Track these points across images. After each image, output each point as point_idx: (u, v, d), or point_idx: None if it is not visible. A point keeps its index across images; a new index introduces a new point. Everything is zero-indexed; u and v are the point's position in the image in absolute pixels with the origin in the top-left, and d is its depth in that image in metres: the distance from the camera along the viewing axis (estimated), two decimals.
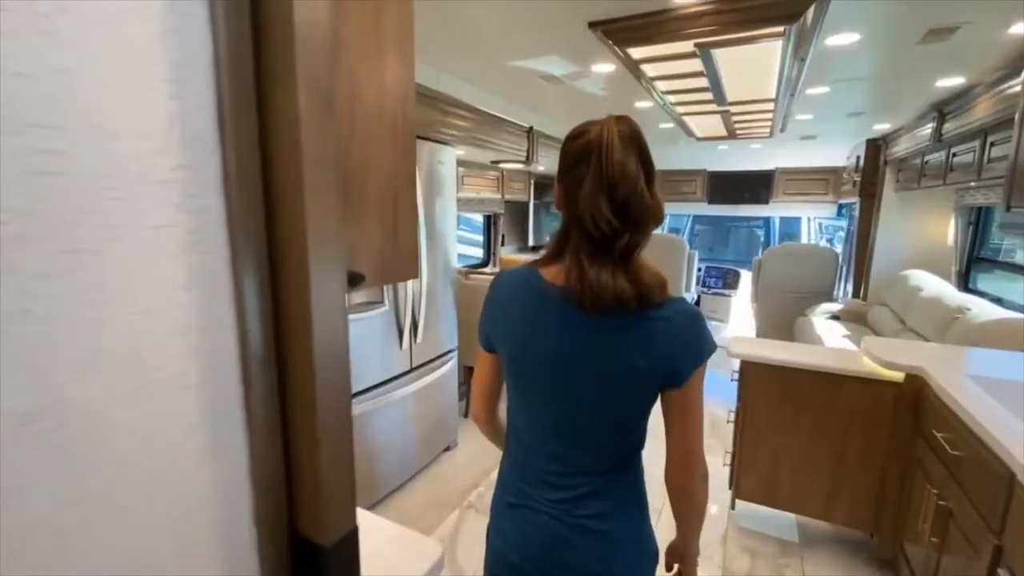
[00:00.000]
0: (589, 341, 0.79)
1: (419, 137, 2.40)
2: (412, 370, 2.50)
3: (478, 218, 4.60)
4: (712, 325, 6.15)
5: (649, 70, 2.21)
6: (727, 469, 2.30)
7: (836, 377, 1.98)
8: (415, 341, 2.46)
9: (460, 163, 3.51)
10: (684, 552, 0.93)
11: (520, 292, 0.85)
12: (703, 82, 2.36)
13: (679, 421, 0.82)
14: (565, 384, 0.81)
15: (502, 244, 4.78)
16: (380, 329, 2.25)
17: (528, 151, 3.36)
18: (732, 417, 2.29)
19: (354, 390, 2.15)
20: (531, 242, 4.87)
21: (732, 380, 2.24)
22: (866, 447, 1.98)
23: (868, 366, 1.97)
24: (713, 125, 3.69)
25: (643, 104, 3.16)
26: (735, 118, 3.26)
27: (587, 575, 0.82)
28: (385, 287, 2.23)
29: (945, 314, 2.83)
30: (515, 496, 0.88)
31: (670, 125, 3.87)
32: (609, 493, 0.84)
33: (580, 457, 0.83)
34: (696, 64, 2.10)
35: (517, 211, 4.89)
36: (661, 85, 2.46)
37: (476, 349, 0.95)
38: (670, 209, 7.05)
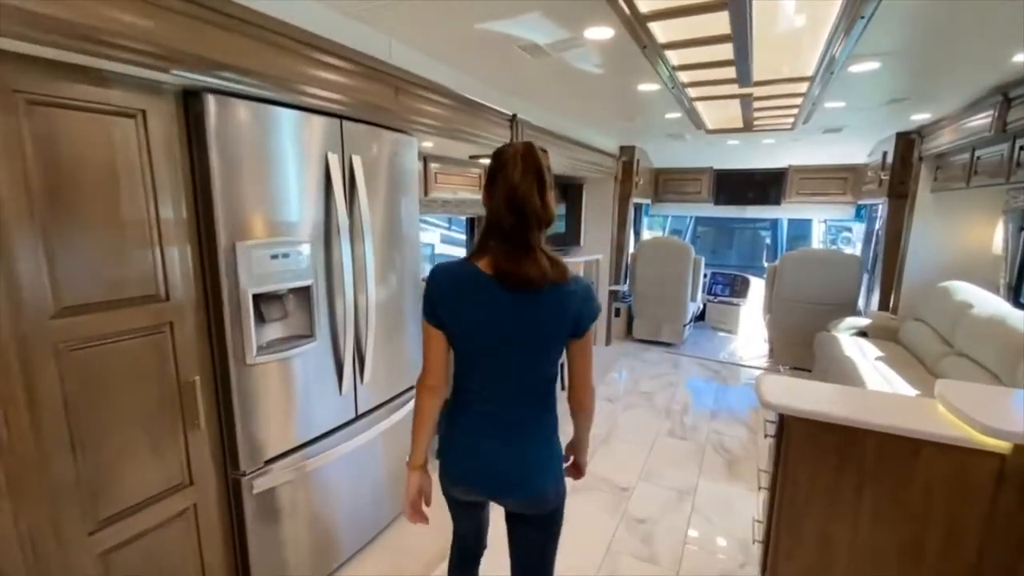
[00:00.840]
0: (518, 313, 1.11)
1: (371, 123, 1.87)
2: (359, 418, 1.97)
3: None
4: (720, 337, 5.66)
5: (659, 33, 1.69)
6: (757, 546, 1.79)
7: (909, 442, 1.47)
8: (360, 381, 1.94)
9: (432, 158, 2.99)
10: (579, 445, 1.38)
11: (465, 281, 1.13)
12: (727, 51, 1.85)
13: (579, 359, 1.21)
14: (505, 348, 1.13)
15: None
16: (309, 372, 1.73)
17: (511, 141, 2.84)
18: (765, 482, 1.78)
19: (269, 456, 1.63)
20: None
21: (766, 438, 1.73)
22: (951, 539, 1.47)
23: (953, 426, 1.46)
24: (728, 115, 3.17)
25: (648, 87, 2.64)
26: (757, 104, 2.75)
27: (522, 473, 1.19)
28: (316, 313, 1.70)
29: (1017, 342, 2.33)
30: (472, 432, 1.19)
31: (677, 115, 3.36)
32: (537, 420, 1.21)
33: (519, 399, 1.18)
34: (722, 23, 1.58)
35: None
36: (673, 57, 1.94)
37: (425, 327, 1.17)
38: (673, 209, 6.56)
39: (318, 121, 1.66)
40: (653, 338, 5.27)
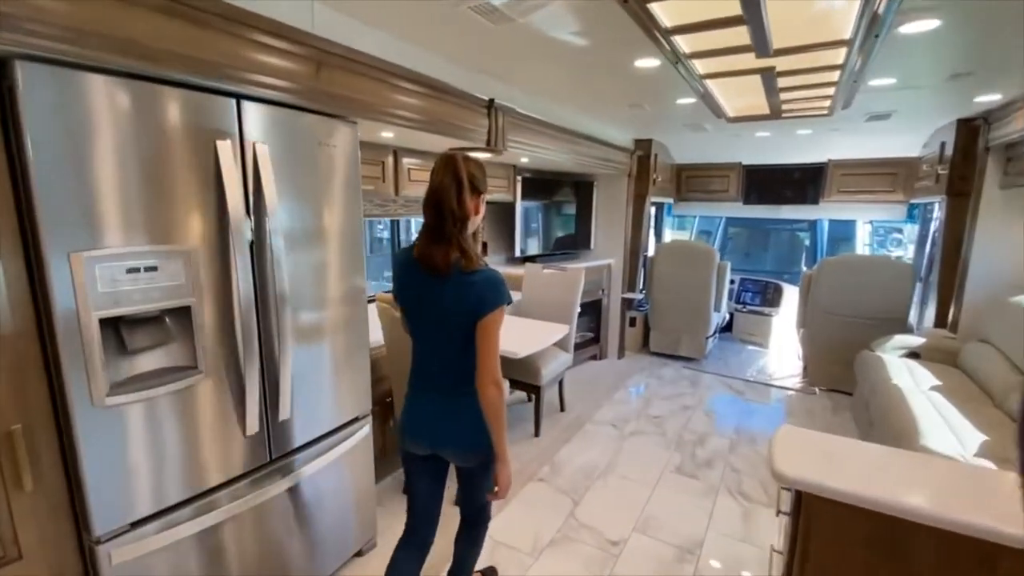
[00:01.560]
0: (434, 294, 1.33)
1: (286, 105, 1.54)
2: (275, 461, 1.65)
3: None
4: (748, 351, 5.10)
5: None
6: None
7: (981, 546, 1.02)
8: (275, 418, 1.61)
9: (405, 152, 2.66)
10: (497, 452, 1.38)
11: (404, 261, 1.40)
12: (734, 6, 1.42)
13: (481, 344, 1.30)
14: (428, 322, 1.39)
15: (483, 254, 3.89)
16: (197, 410, 1.41)
17: (490, 132, 2.47)
18: (778, 568, 1.35)
19: (137, 516, 1.31)
20: (518, 251, 3.97)
21: (779, 515, 1.29)
22: None
23: None
24: (751, 100, 2.70)
25: (647, 63, 2.23)
26: (783, 82, 2.28)
27: (448, 429, 1.41)
28: (200, 340, 1.38)
29: None
30: (417, 393, 1.47)
31: (690, 100, 2.91)
32: (455, 389, 1.38)
33: (443, 367, 1.39)
34: None
35: (501, 214, 4.00)
36: (663, 14, 1.52)
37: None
38: (697, 209, 6.02)
39: (202, 101, 1.34)
40: (671, 352, 4.79)
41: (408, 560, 1.55)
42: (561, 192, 4.43)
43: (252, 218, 1.47)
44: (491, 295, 1.27)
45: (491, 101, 2.42)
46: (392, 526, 2.26)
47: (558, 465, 2.82)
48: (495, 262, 4.02)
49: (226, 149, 1.38)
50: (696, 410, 3.64)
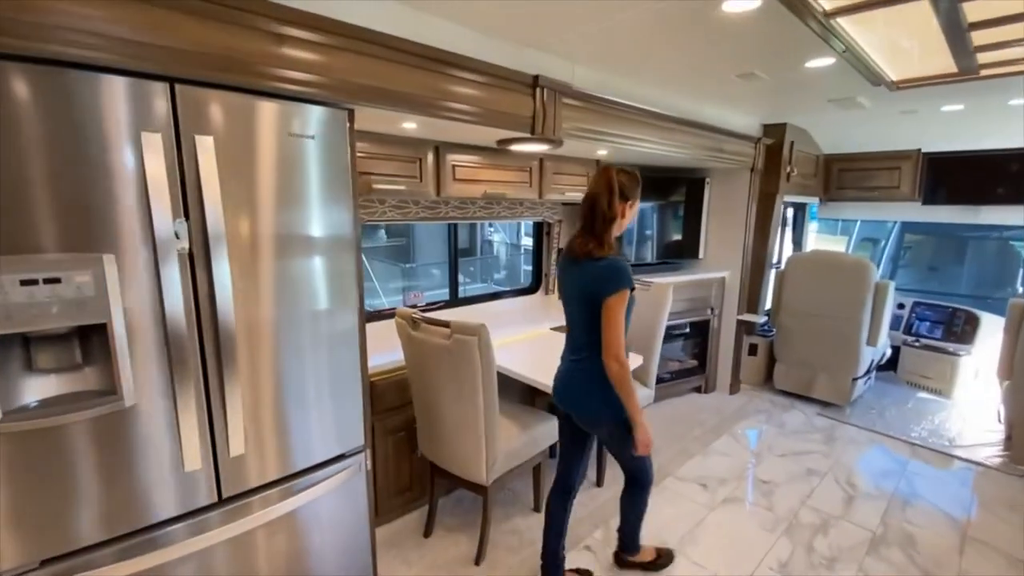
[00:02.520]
0: (571, 276, 1.67)
1: (237, 89, 1.30)
2: (226, 502, 1.42)
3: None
4: (918, 400, 3.81)
5: None
6: None
7: None
8: (224, 453, 1.38)
9: (450, 147, 2.34)
10: (630, 416, 1.63)
11: (565, 251, 1.73)
12: None
13: (603, 324, 1.54)
14: (567, 299, 1.72)
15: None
16: (119, 440, 1.22)
17: (535, 117, 2.01)
18: None
19: (34, 559, 1.15)
20: None
21: None
22: None
23: None
24: (926, 54, 1.85)
25: (739, 4, 1.58)
26: (973, 10, 1.45)
27: (577, 390, 1.72)
28: (120, 362, 1.18)
29: None
30: (561, 359, 1.80)
31: (826, 62, 2.11)
32: (584, 361, 1.66)
33: (571, 339, 1.74)
34: None
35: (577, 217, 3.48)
36: None
37: None
38: (853, 211, 4.76)
39: (122, 86, 1.13)
40: (802, 392, 3.79)
41: (557, 503, 1.88)
42: (661, 191, 3.75)
43: (189, 224, 1.25)
44: (613, 279, 1.54)
45: (536, 78, 1.96)
46: (402, 572, 1.96)
47: (614, 531, 2.25)
48: None
49: (154, 142, 1.16)
50: (826, 478, 2.73)
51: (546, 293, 3.41)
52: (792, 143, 3.73)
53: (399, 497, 2.30)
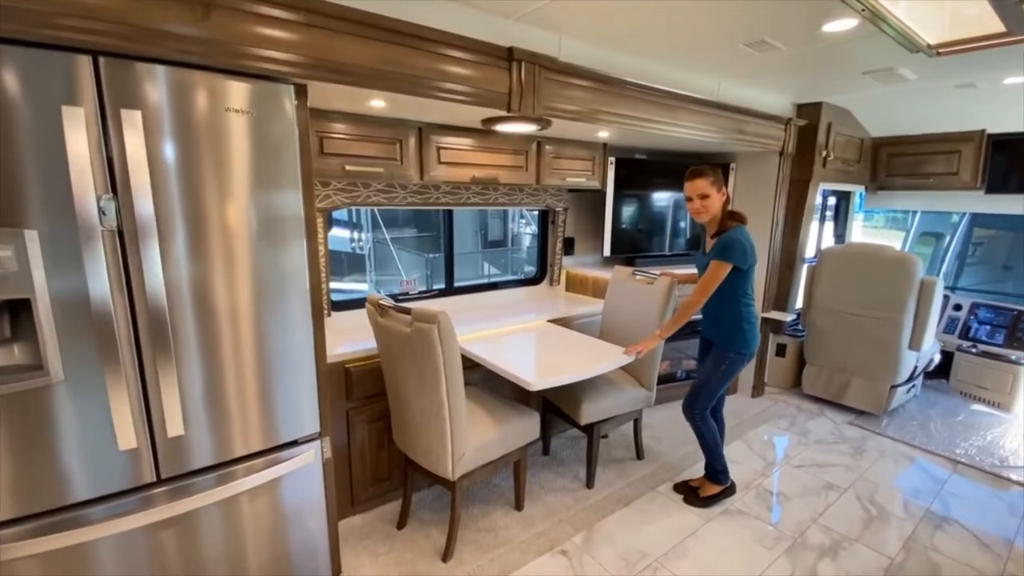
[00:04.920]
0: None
1: (170, 62, 1.26)
2: (164, 482, 1.41)
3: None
4: (971, 413, 3.39)
5: None
6: None
7: None
8: (163, 432, 1.36)
9: (433, 128, 2.25)
10: (661, 329, 2.21)
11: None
12: None
13: (704, 276, 2.05)
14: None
15: (565, 252, 3.29)
16: (46, 416, 1.22)
17: (511, 94, 1.88)
18: None
19: None
20: (607, 250, 3.23)
21: None
22: None
23: None
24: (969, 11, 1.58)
25: None
26: None
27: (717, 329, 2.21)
28: (44, 338, 1.18)
29: None
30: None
31: (850, 24, 1.85)
32: (717, 310, 2.15)
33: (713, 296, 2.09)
34: None
35: (590, 203, 3.31)
36: None
37: None
38: (904, 201, 4.30)
39: (41, 58, 1.11)
40: (833, 398, 3.46)
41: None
42: (679, 178, 3.51)
43: (118, 202, 1.23)
44: (721, 250, 2.00)
45: (510, 51, 1.83)
46: (367, 564, 1.92)
47: (596, 537, 2.12)
48: (579, 264, 3.37)
49: (75, 116, 1.14)
50: (846, 494, 2.47)
51: (551, 284, 3.28)
52: (830, 124, 3.39)
53: (377, 486, 2.26)
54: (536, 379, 1.88)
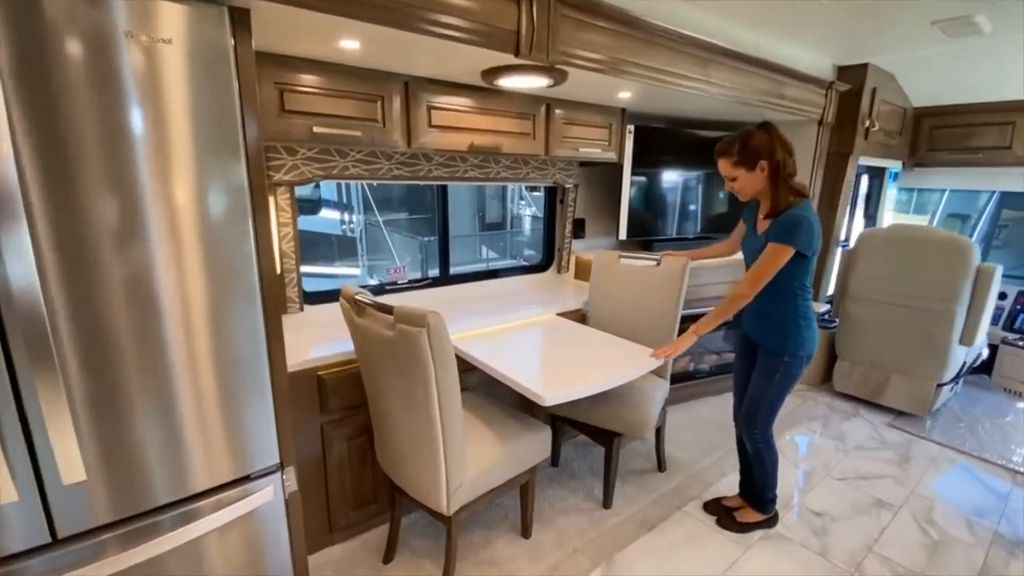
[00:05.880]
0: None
1: None
2: (62, 542, 1.06)
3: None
4: (1020, 412, 3.06)
5: None
6: None
7: None
8: (56, 480, 1.01)
9: (429, 85, 1.86)
10: (697, 325, 1.79)
11: None
12: None
13: (758, 263, 1.67)
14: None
15: (575, 235, 2.91)
16: None
17: (520, 32, 1.49)
18: None
19: None
20: (624, 233, 2.86)
21: None
22: None
23: None
24: None
25: None
26: None
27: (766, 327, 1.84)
28: None
29: None
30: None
31: None
32: (767, 304, 1.77)
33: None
34: None
35: (604, 180, 2.93)
36: None
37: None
38: (945, 179, 3.93)
39: None
40: (869, 397, 3.14)
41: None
42: (702, 155, 3.11)
43: None
44: (777, 231, 1.64)
45: None
46: None
47: (617, 571, 1.79)
48: (590, 249, 3.00)
49: None
50: (900, 513, 2.15)
51: (559, 271, 2.91)
52: (875, 90, 3.00)
53: (360, 511, 1.92)
54: (548, 392, 1.53)
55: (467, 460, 1.54)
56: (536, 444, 1.77)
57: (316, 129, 1.63)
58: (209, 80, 1.04)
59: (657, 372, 2.15)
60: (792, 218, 1.61)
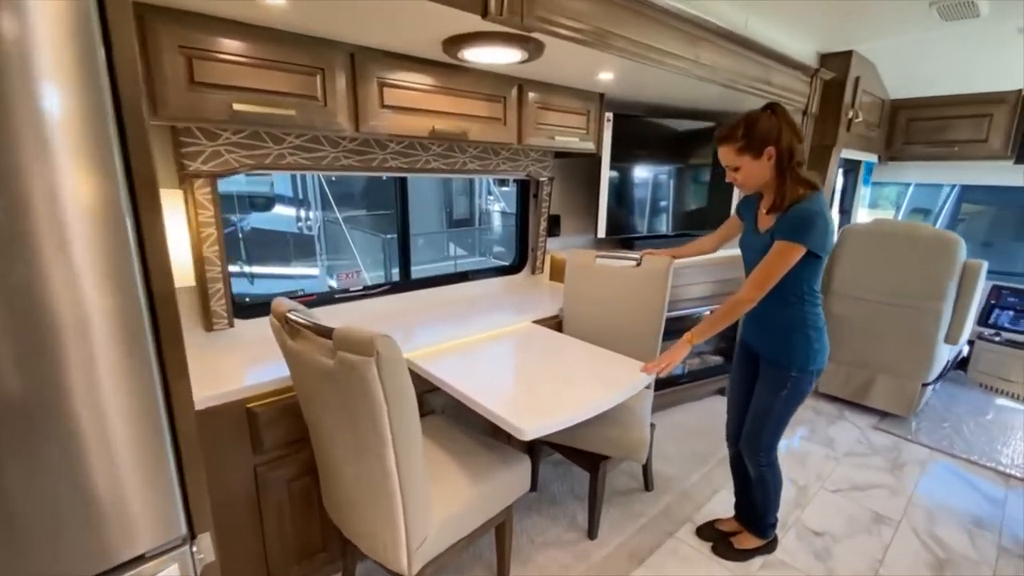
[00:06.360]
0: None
1: None
2: None
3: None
4: (999, 410, 3.00)
5: None
6: None
7: None
8: None
9: (377, 57, 1.57)
10: (691, 333, 1.58)
11: None
12: None
13: (764, 264, 1.45)
14: None
15: (550, 233, 2.67)
16: None
17: None
18: None
19: None
20: (603, 230, 2.63)
21: None
22: None
23: None
24: None
25: None
26: None
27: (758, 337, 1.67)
28: None
29: None
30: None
31: None
32: (768, 309, 1.53)
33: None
34: None
35: (581, 173, 2.70)
36: None
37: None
38: (920, 173, 3.89)
39: None
40: (854, 398, 3.04)
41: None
42: (680, 149, 2.93)
43: None
44: (787, 228, 1.42)
45: None
46: None
47: None
48: (567, 248, 2.77)
49: None
50: (900, 529, 2.02)
51: (532, 272, 2.66)
52: (858, 79, 2.88)
53: (306, 562, 1.62)
54: (528, 423, 1.28)
55: (432, 507, 1.27)
56: (514, 478, 1.52)
57: (237, 106, 1.32)
58: (77, 26, 0.73)
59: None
60: (803, 213, 1.41)
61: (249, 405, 1.41)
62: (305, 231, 7.15)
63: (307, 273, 6.91)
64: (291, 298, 1.89)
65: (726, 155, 1.51)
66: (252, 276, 6.47)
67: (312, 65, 1.44)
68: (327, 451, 1.29)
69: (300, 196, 7.25)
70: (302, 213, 7.21)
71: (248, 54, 1.33)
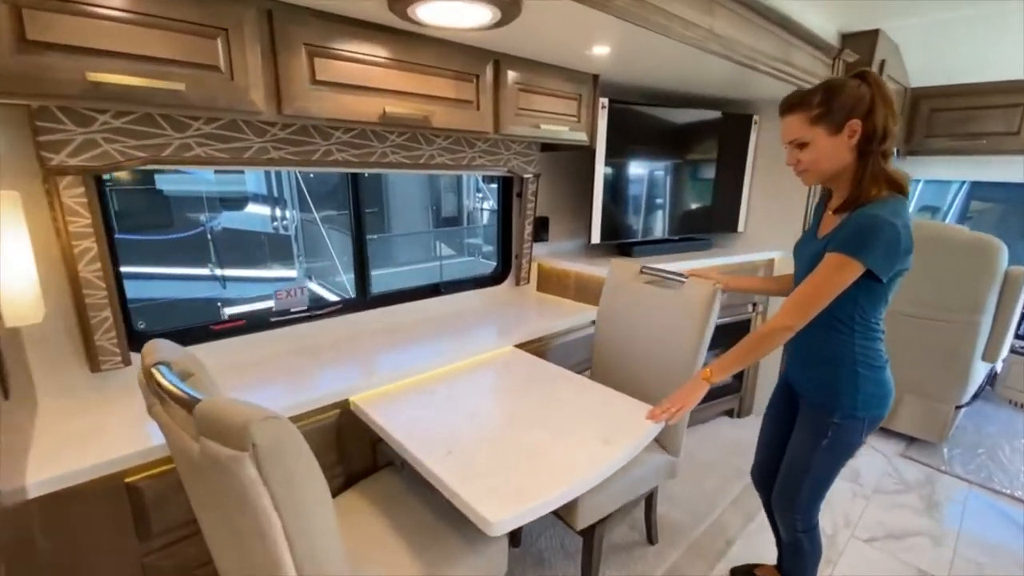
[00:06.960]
0: None
1: None
2: None
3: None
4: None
5: None
6: None
7: None
8: None
9: (304, 15, 1.20)
10: (709, 369, 1.25)
11: None
12: None
13: (810, 280, 1.12)
14: None
15: (537, 237, 2.32)
16: None
17: None
18: None
19: None
20: (597, 235, 2.28)
21: None
22: None
23: None
24: None
25: None
26: None
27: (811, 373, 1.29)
28: None
29: None
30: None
31: None
32: (813, 339, 1.23)
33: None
34: None
35: (571, 168, 2.36)
36: None
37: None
38: (942, 169, 3.58)
39: None
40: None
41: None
42: (682, 142, 2.58)
43: None
44: (844, 237, 1.09)
45: None
46: None
47: None
48: (555, 254, 2.43)
49: None
50: None
51: (517, 283, 2.31)
52: (883, 63, 2.54)
53: None
54: (498, 511, 0.94)
55: None
56: (486, 567, 1.17)
57: (93, 76, 0.95)
58: None
59: (660, 441, 1.60)
60: (871, 220, 1.07)
61: (129, 479, 1.05)
62: (281, 231, 6.75)
63: (284, 275, 6.52)
64: (216, 324, 1.53)
65: (793, 126, 1.16)
66: (224, 279, 6.08)
67: (209, 24, 1.08)
68: (216, 551, 0.94)
69: (276, 194, 6.85)
70: (278, 212, 6.81)
71: (110, 4, 0.97)
